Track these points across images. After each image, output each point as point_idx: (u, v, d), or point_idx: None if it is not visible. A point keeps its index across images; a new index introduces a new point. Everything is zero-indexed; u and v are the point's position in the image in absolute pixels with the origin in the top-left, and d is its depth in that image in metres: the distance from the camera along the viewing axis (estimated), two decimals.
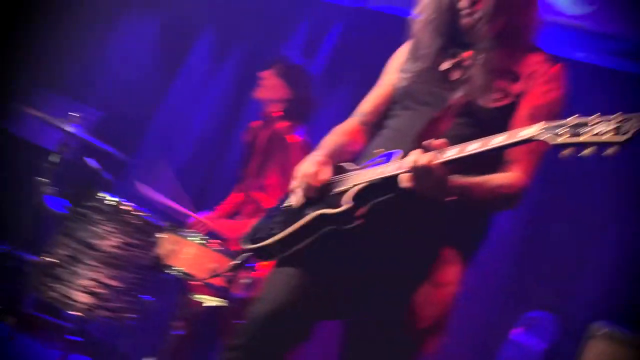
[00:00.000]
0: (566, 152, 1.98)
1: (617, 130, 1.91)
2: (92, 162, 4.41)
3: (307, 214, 2.57)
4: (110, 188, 4.38)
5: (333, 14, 5.56)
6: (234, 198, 4.85)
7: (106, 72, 5.83)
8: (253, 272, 4.02)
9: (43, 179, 4.55)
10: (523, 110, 2.52)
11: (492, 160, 2.47)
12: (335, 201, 2.51)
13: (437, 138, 2.46)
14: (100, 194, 4.21)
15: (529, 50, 2.60)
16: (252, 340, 2.55)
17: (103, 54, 5.83)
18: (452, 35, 2.64)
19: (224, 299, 4.06)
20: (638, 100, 4.63)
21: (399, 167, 2.37)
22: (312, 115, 4.76)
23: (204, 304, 4.15)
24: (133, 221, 4.22)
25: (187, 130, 5.79)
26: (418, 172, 2.27)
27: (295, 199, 2.64)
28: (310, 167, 2.62)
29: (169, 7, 5.94)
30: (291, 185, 2.66)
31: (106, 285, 4.12)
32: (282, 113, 4.65)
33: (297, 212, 2.63)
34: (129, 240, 4.21)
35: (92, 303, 4.08)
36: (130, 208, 4.23)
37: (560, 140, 1.99)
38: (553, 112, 2.50)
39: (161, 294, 4.40)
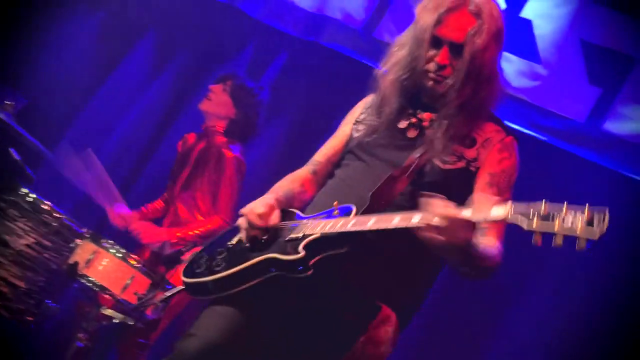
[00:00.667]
0: (538, 238, 2.00)
1: (587, 224, 1.95)
2: (16, 154, 4.17)
3: (254, 257, 2.50)
4: (31, 183, 4.17)
5: (281, 41, 5.50)
6: (160, 204, 4.76)
7: (39, 62, 5.60)
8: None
9: None
10: (482, 178, 2.56)
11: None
12: (286, 247, 2.46)
13: (391, 195, 2.54)
14: (23, 190, 3.99)
15: (487, 118, 2.65)
16: None
17: (38, 44, 5.59)
18: (414, 96, 2.66)
19: (133, 318, 3.92)
20: (567, 176, 4.86)
21: (373, 223, 2.32)
22: (251, 138, 4.73)
23: (112, 320, 3.97)
24: (51, 222, 4.01)
25: (113, 130, 5.61)
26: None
27: (243, 238, 2.57)
28: (260, 208, 2.55)
29: (112, 5, 5.76)
30: (239, 222, 2.58)
31: (11, 285, 3.91)
32: (223, 130, 4.59)
33: (242, 252, 2.56)
34: (44, 241, 3.99)
35: None
36: (50, 208, 4.02)
37: (534, 227, 2.00)
38: (509, 180, 2.58)
39: (68, 302, 4.25)
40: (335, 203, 2.53)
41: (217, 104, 4.60)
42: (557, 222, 1.98)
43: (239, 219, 2.59)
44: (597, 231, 1.94)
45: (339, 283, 2.50)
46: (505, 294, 4.85)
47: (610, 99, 4.78)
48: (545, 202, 2.02)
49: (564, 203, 2.00)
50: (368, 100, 2.83)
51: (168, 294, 2.98)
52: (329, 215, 2.52)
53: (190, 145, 4.67)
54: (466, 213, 2.17)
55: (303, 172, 2.84)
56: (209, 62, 5.65)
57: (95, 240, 3.98)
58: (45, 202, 4.03)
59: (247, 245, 2.57)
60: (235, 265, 2.53)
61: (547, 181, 4.69)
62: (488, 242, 2.43)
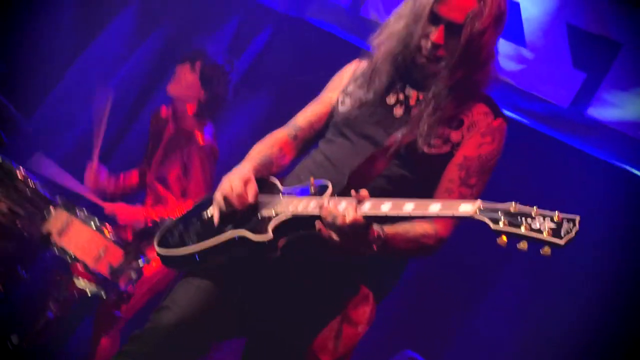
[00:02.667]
0: (503, 240, 1.92)
1: (555, 230, 1.87)
2: None
3: (226, 230, 2.41)
4: (3, 147, 4.02)
5: (266, 16, 5.40)
6: (135, 178, 4.63)
7: (19, 29, 5.44)
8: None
9: None
10: (455, 159, 2.47)
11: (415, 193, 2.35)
12: (258, 225, 2.37)
13: (370, 176, 2.45)
14: None
15: (477, 99, 2.53)
16: (153, 347, 2.41)
17: (19, 10, 5.44)
18: (405, 70, 2.54)
19: (106, 289, 3.82)
20: (549, 161, 4.78)
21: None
22: (221, 114, 4.60)
23: (84, 291, 3.85)
24: (24, 189, 3.87)
25: (90, 102, 5.48)
26: (336, 223, 2.15)
27: (216, 213, 2.46)
28: (238, 184, 2.42)
29: None
30: (215, 197, 2.46)
31: None
32: (193, 112, 4.43)
33: (215, 226, 2.46)
34: (16, 208, 3.86)
35: None
36: (23, 176, 3.89)
37: (500, 226, 1.92)
38: (483, 166, 2.48)
39: (40, 271, 4.13)
40: (311, 178, 2.42)
41: (185, 86, 4.40)
42: (524, 225, 1.90)
43: (216, 194, 2.46)
44: (563, 238, 1.86)
45: (316, 261, 2.42)
46: (478, 286, 4.82)
47: (595, 85, 4.67)
48: (515, 204, 1.94)
49: (534, 207, 1.92)
50: (355, 68, 2.71)
51: (141, 263, 2.85)
52: (304, 191, 2.43)
53: (161, 124, 4.54)
54: (435, 207, 2.08)
55: (282, 135, 2.71)
56: (192, 33, 5.50)
57: (69, 209, 3.86)
58: (19, 169, 3.90)
59: (219, 218, 2.45)
60: (207, 239, 2.43)
61: (528, 165, 4.64)
62: (421, 226, 2.37)
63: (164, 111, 4.58)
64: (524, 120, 4.82)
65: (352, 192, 2.18)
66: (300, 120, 2.73)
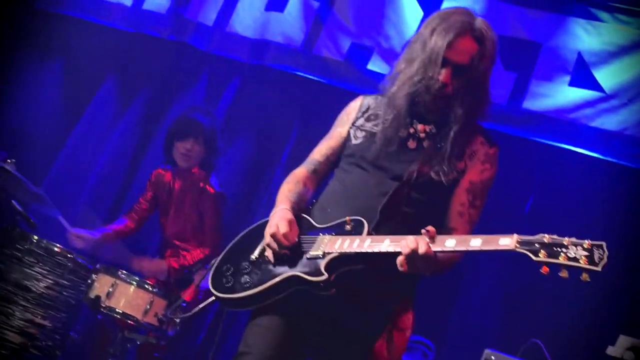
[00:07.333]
0: (545, 270, 2.11)
1: (589, 257, 2.06)
2: (17, 204, 4.14)
3: (278, 271, 2.55)
4: (34, 229, 4.14)
5: (232, 68, 5.57)
6: (129, 225, 4.70)
7: (7, 114, 5.50)
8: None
9: None
10: (462, 185, 2.64)
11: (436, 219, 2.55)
12: (309, 264, 2.50)
13: (397, 206, 2.59)
14: (34, 237, 3.99)
15: (475, 130, 2.71)
16: None
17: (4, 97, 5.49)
18: (415, 107, 2.67)
19: (156, 336, 4.00)
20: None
21: (389, 245, 2.40)
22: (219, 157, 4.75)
23: (136, 342, 4.03)
24: (65, 262, 4.02)
25: (91, 170, 5.58)
26: (415, 257, 2.32)
27: (269, 255, 2.60)
28: (283, 226, 2.57)
29: (70, 53, 5.70)
30: (265, 239, 2.59)
31: (39, 325, 3.91)
32: (197, 168, 4.60)
33: (267, 266, 2.60)
34: (61, 281, 4.00)
35: (25, 342, 3.86)
36: (61, 250, 4.04)
37: (541, 258, 2.11)
38: (484, 189, 2.68)
39: (90, 332, 4.25)
40: (347, 218, 2.55)
41: (196, 157, 4.57)
42: (562, 255, 2.07)
43: (265, 235, 2.59)
44: (599, 264, 2.04)
45: (365, 282, 2.54)
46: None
47: (525, 81, 4.94)
48: (547, 236, 2.13)
49: (564, 237, 2.10)
50: (362, 103, 2.83)
51: (197, 308, 3.03)
52: (342, 229, 2.56)
53: (167, 182, 4.66)
54: (476, 243, 2.26)
55: (303, 172, 2.84)
56: (168, 95, 5.65)
57: (111, 272, 4.01)
58: (56, 244, 4.04)
59: (271, 259, 2.59)
60: (265, 282, 2.55)
61: None
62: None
63: (163, 171, 4.70)
64: None
65: (423, 231, 2.33)
66: (317, 156, 2.86)
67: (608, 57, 4.86)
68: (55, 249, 4.02)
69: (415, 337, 4.67)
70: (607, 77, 4.82)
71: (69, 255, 4.04)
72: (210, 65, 5.67)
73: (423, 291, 4.87)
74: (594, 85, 4.84)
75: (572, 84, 4.89)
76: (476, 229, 2.62)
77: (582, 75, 4.87)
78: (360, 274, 2.51)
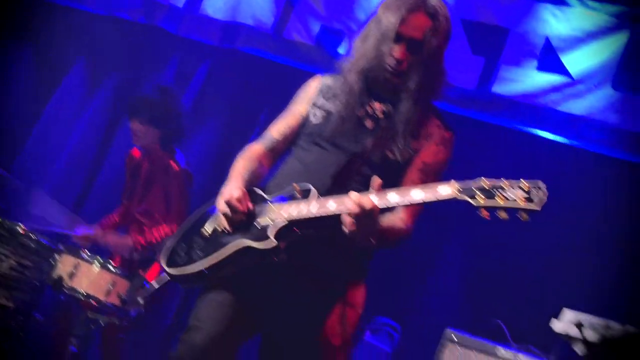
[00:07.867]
0: (485, 213, 2.07)
1: (527, 197, 2.02)
2: None
3: (229, 242, 2.50)
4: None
5: (203, 52, 5.53)
6: (115, 218, 4.72)
7: None
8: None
9: None
10: (416, 165, 2.61)
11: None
12: (259, 233, 2.46)
13: (348, 179, 2.56)
14: None
15: (431, 112, 2.67)
16: None
17: None
18: (372, 85, 2.65)
19: (119, 317, 3.95)
20: (468, 138, 4.96)
21: (337, 207, 2.36)
22: (184, 137, 4.67)
23: (99, 322, 3.98)
24: (28, 243, 3.97)
25: (60, 152, 5.54)
26: (363, 214, 2.27)
27: (219, 224, 2.56)
28: (236, 191, 2.53)
29: (40, 36, 5.65)
30: (219, 207, 2.54)
31: (2, 307, 3.87)
32: (159, 147, 4.54)
33: (218, 238, 2.55)
34: (24, 262, 3.96)
35: None
36: (25, 231, 3.99)
37: (481, 202, 2.06)
38: (437, 171, 2.63)
39: (53, 312, 4.22)
40: (294, 185, 2.52)
41: (143, 136, 4.51)
42: (499, 196, 2.04)
43: (218, 204, 2.54)
44: (537, 203, 2.01)
45: (315, 257, 2.52)
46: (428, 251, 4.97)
47: (493, 66, 4.97)
48: (485, 179, 2.09)
49: (501, 178, 2.06)
50: (319, 83, 2.80)
51: (155, 286, 3.00)
52: (289, 197, 2.52)
53: (136, 163, 4.63)
54: (417, 194, 2.21)
55: (259, 149, 2.77)
56: (138, 79, 5.61)
57: (74, 252, 3.97)
58: (19, 225, 3.99)
59: (222, 232, 2.55)
60: (216, 254, 2.50)
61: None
62: (396, 217, 2.50)
63: (137, 152, 4.67)
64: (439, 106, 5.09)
65: (372, 182, 2.29)
66: (275, 133, 2.79)
67: (576, 42, 4.89)
68: (19, 229, 3.98)
69: (381, 319, 4.73)
70: (575, 62, 4.86)
71: (32, 236, 3.99)
72: (181, 49, 5.64)
73: (387, 273, 5.00)
74: (561, 70, 4.88)
75: (540, 68, 4.92)
76: None
77: (550, 60, 4.91)
78: (312, 248, 2.49)
